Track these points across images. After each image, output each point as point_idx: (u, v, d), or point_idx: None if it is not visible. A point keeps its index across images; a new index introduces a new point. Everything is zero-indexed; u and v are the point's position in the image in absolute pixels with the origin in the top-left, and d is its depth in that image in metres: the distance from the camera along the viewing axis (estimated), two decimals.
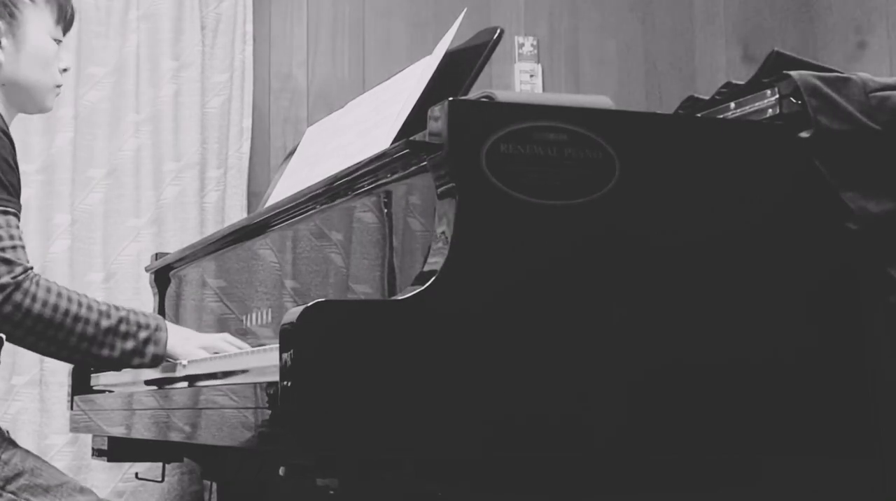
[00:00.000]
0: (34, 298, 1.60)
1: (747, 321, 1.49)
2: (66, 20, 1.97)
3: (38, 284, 1.61)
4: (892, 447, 1.53)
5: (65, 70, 1.96)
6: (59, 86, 1.95)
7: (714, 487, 1.52)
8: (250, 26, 2.97)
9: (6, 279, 1.58)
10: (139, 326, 1.70)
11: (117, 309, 1.70)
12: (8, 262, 1.60)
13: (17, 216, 1.68)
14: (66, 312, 1.63)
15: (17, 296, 1.59)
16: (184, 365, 1.72)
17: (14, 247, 1.62)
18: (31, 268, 1.64)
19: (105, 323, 1.66)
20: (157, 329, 1.72)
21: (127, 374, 2.00)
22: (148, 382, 1.91)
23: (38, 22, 1.90)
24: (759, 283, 1.51)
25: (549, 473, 1.44)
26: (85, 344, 1.66)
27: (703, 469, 1.50)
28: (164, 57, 2.86)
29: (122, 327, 1.68)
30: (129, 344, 1.68)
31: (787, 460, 1.52)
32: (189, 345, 1.75)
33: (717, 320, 1.48)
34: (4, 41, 1.86)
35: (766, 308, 1.50)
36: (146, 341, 1.70)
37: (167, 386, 1.80)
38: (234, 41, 2.94)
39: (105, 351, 1.67)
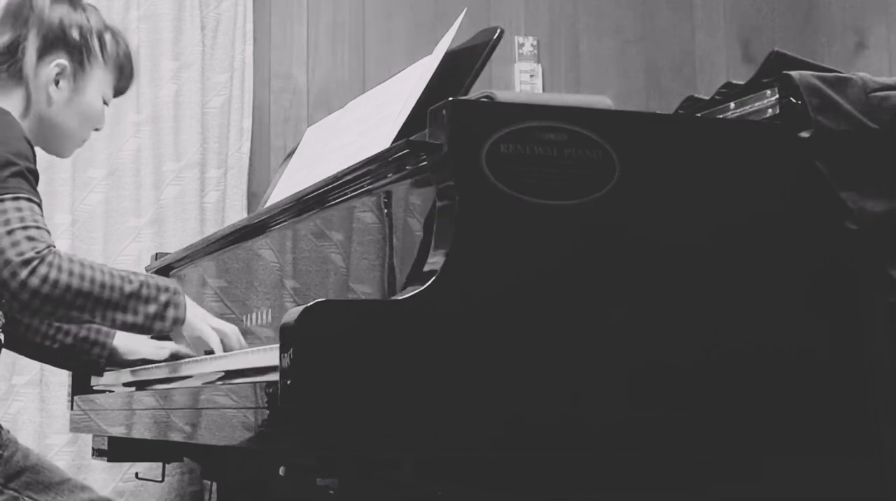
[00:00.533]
0: (59, 269, 1.62)
1: (747, 321, 1.49)
2: (122, 89, 2.02)
3: (60, 256, 1.63)
4: (892, 447, 1.53)
5: (97, 129, 2.00)
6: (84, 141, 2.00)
7: (714, 487, 1.52)
8: (250, 26, 2.97)
9: (30, 254, 1.60)
10: (159, 289, 1.71)
11: (136, 274, 1.71)
12: (32, 239, 1.62)
13: (40, 206, 1.70)
14: (93, 280, 1.64)
15: (43, 269, 1.60)
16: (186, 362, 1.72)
17: (38, 228, 1.65)
18: (55, 246, 1.65)
19: (128, 288, 1.67)
20: (175, 292, 1.73)
21: (128, 374, 2.01)
22: (150, 382, 1.91)
23: (99, 82, 1.94)
24: (759, 283, 1.51)
25: (549, 473, 1.44)
26: (110, 312, 1.67)
27: (703, 468, 1.50)
28: (164, 57, 2.86)
29: (144, 291, 1.69)
30: (152, 308, 1.70)
31: (787, 460, 1.52)
32: (201, 321, 1.76)
33: (718, 320, 1.48)
34: (63, 83, 1.89)
35: (766, 308, 1.50)
36: (166, 304, 1.71)
37: (167, 386, 1.80)
38: (234, 41, 2.94)
39: (130, 317, 1.68)
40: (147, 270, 2.48)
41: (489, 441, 1.34)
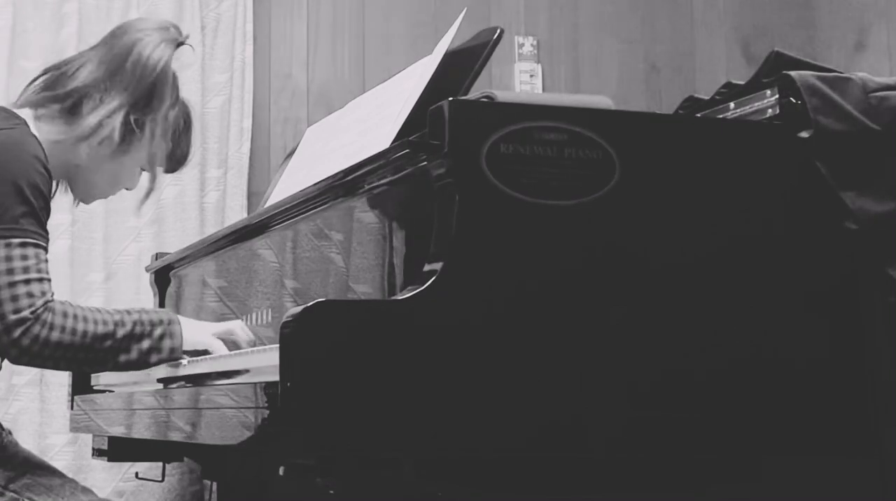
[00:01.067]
0: (51, 327, 1.63)
1: (747, 321, 1.49)
2: (169, 170, 1.99)
3: (54, 312, 1.64)
4: (892, 447, 1.53)
5: (128, 188, 1.98)
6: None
7: (714, 487, 1.52)
8: (250, 26, 2.97)
9: (26, 313, 1.62)
10: (153, 324, 1.72)
11: (129, 313, 1.72)
12: (31, 295, 1.63)
13: (46, 249, 1.70)
14: (84, 333, 1.65)
15: (35, 329, 1.62)
16: (185, 364, 1.72)
17: (40, 280, 1.65)
18: (52, 300, 1.65)
19: (121, 331, 1.69)
20: (170, 323, 1.73)
21: (127, 375, 2.00)
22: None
23: (144, 153, 1.90)
24: (759, 284, 1.51)
25: (550, 473, 1.44)
26: (102, 355, 1.69)
27: (703, 468, 1.50)
28: None
29: (137, 329, 1.70)
30: (146, 344, 1.71)
31: (787, 460, 1.52)
32: (203, 336, 1.76)
33: (717, 321, 1.48)
34: (106, 143, 1.84)
35: (766, 308, 1.50)
36: (161, 337, 1.72)
37: (168, 387, 1.80)
38: (234, 41, 2.94)
39: (122, 357, 1.70)
40: (147, 270, 2.48)
41: (489, 441, 1.34)
